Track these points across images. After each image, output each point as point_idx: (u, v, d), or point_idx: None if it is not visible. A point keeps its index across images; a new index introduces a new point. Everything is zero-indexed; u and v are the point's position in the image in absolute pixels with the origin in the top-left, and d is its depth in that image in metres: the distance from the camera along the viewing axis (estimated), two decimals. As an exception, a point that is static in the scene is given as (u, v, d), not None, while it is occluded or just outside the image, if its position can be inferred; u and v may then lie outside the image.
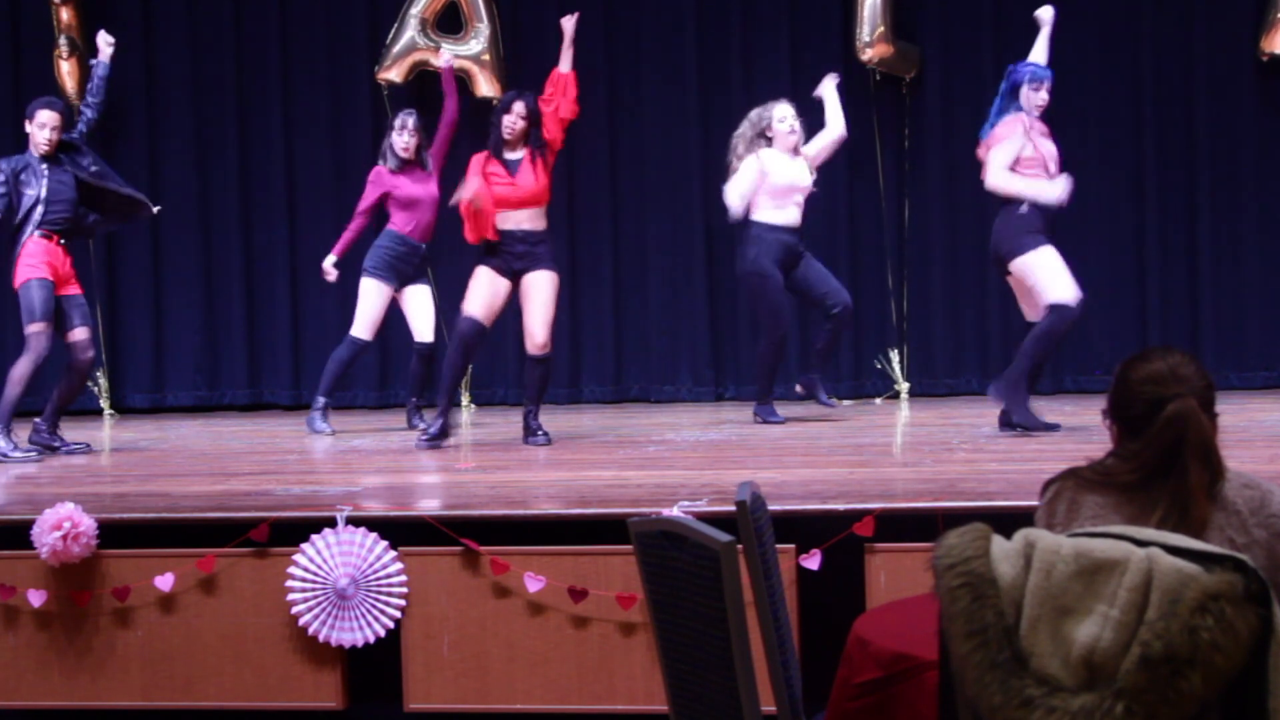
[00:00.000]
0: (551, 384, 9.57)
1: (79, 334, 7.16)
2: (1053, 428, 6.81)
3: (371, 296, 7.92)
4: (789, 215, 7.66)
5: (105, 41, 7.52)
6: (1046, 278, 6.73)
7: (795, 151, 7.71)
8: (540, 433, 7.02)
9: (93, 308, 9.56)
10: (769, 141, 7.68)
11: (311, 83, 9.85)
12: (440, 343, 8.16)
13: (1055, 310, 6.69)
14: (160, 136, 9.95)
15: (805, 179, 7.71)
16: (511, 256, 6.91)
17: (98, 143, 7.64)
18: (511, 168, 6.93)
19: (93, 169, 7.21)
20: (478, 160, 6.98)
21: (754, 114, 7.77)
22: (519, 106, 6.96)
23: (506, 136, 6.93)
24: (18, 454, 6.93)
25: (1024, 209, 6.77)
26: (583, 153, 9.63)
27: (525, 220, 6.93)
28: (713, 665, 2.89)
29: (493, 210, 6.85)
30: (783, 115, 7.70)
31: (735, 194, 7.64)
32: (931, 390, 9.45)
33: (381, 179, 7.94)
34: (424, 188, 7.92)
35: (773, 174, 7.60)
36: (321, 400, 8.00)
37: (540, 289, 6.93)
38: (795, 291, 7.80)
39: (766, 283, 7.62)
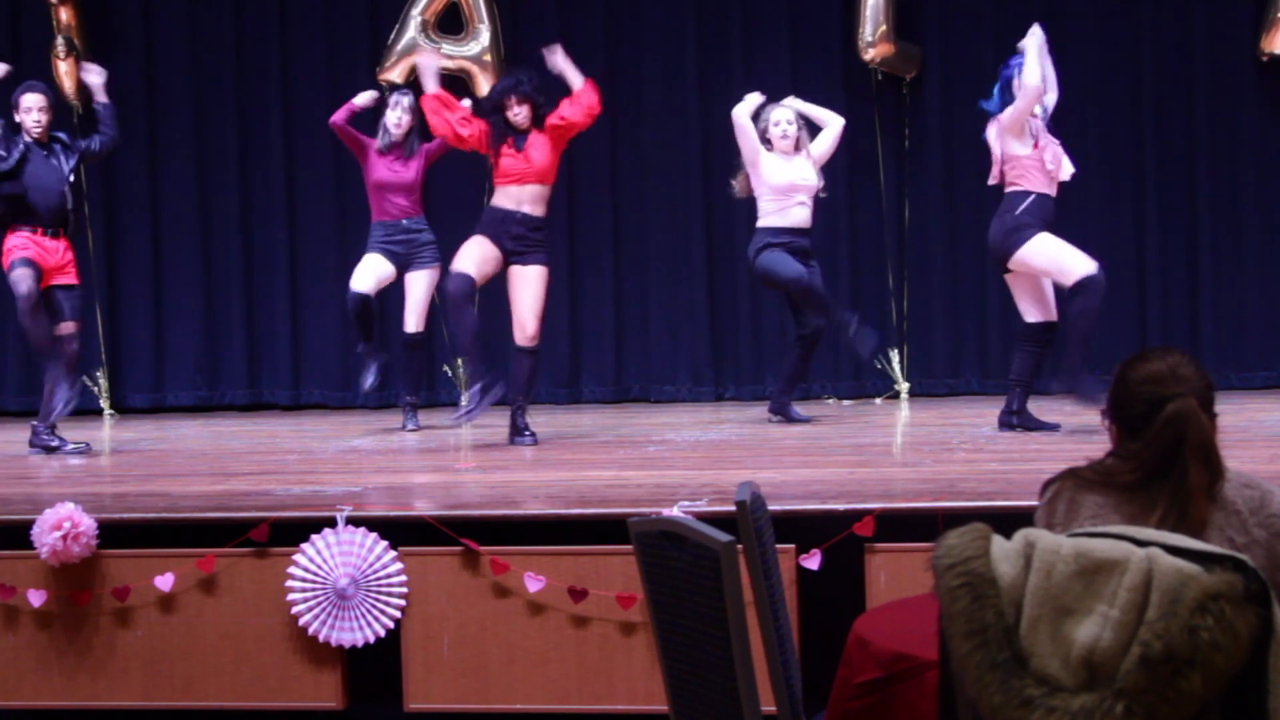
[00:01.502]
0: (551, 384, 9.61)
1: (67, 327, 7.10)
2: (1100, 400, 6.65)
3: (366, 259, 7.94)
4: (795, 217, 7.58)
5: (96, 74, 7.37)
6: (1056, 261, 6.68)
7: (794, 152, 7.66)
8: (527, 433, 7.02)
9: (92, 308, 9.59)
10: (769, 144, 7.66)
11: (311, 83, 9.85)
12: (427, 333, 8.14)
13: (1082, 287, 6.61)
14: (160, 137, 9.94)
15: (808, 179, 7.62)
16: (507, 237, 6.91)
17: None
18: (519, 143, 6.95)
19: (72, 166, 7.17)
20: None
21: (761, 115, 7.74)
22: (514, 101, 6.94)
23: (521, 126, 6.94)
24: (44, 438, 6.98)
25: (1018, 212, 6.73)
26: (583, 152, 9.62)
27: (526, 201, 6.93)
28: (713, 665, 2.89)
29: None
30: (777, 119, 7.65)
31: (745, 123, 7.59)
32: (931, 390, 9.45)
33: (367, 149, 7.98)
34: (397, 174, 7.95)
35: (769, 175, 7.57)
36: (360, 346, 7.99)
37: (532, 281, 6.94)
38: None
39: (777, 262, 7.48)
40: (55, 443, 7.21)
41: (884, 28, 9.18)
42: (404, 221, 7.92)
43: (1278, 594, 2.21)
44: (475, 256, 6.92)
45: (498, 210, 6.94)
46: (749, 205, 7.84)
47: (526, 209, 6.94)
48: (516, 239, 6.91)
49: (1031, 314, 6.91)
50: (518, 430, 7.04)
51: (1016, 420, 6.94)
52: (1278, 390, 8.99)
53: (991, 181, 6.99)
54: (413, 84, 9.55)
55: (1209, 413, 2.70)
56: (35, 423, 7.26)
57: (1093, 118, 9.24)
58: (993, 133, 6.93)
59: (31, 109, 7.04)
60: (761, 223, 7.62)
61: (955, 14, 9.47)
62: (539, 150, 6.92)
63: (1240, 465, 2.77)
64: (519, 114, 6.94)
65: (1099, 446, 2.87)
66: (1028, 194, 6.77)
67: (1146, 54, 9.30)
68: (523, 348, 6.98)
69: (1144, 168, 9.32)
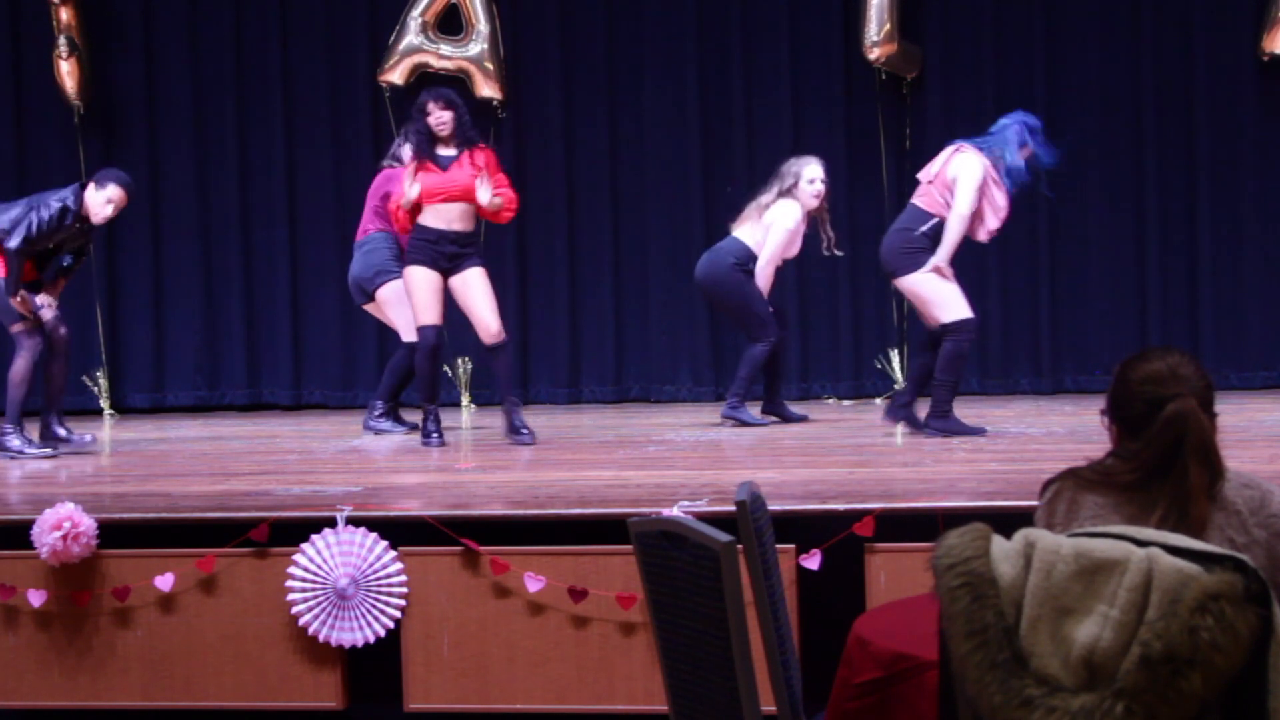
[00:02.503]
0: (551, 384, 9.62)
1: (45, 314, 7.08)
2: (981, 431, 6.85)
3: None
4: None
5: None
6: (936, 299, 6.70)
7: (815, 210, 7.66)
8: (524, 431, 7.01)
9: (93, 308, 9.59)
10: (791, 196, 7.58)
11: (311, 83, 9.85)
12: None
13: (952, 330, 6.67)
14: (160, 136, 9.94)
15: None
16: (442, 258, 6.92)
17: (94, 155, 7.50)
18: (443, 163, 6.94)
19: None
20: (410, 168, 6.96)
21: (784, 168, 7.67)
22: (434, 106, 6.94)
23: (443, 134, 6.92)
24: (32, 450, 6.95)
25: (918, 232, 6.73)
26: (583, 152, 9.65)
27: (456, 219, 6.93)
28: (713, 665, 2.89)
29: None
30: (812, 176, 7.61)
31: (768, 259, 7.58)
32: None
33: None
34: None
35: (797, 236, 7.60)
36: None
37: (476, 284, 6.95)
38: None
39: (752, 283, 7.63)
40: (63, 432, 7.18)
41: (889, 27, 9.16)
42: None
43: (1278, 594, 2.21)
44: (429, 300, 6.92)
45: (430, 231, 6.91)
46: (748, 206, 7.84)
47: (457, 226, 6.94)
48: (451, 257, 6.93)
49: (934, 321, 6.85)
50: (514, 429, 7.02)
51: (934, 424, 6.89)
52: (1278, 390, 8.99)
53: (921, 175, 6.93)
54: (412, 86, 9.57)
55: (1209, 413, 2.70)
56: (48, 416, 7.20)
57: (1092, 118, 9.23)
58: (953, 159, 6.79)
59: (114, 202, 6.99)
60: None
61: (955, 14, 9.46)
62: (463, 172, 6.91)
63: (1240, 465, 2.77)
64: (443, 120, 6.91)
65: (1099, 446, 2.87)
66: (931, 216, 6.75)
67: (1146, 54, 9.30)
68: (492, 346, 6.98)
69: (1144, 168, 9.31)
